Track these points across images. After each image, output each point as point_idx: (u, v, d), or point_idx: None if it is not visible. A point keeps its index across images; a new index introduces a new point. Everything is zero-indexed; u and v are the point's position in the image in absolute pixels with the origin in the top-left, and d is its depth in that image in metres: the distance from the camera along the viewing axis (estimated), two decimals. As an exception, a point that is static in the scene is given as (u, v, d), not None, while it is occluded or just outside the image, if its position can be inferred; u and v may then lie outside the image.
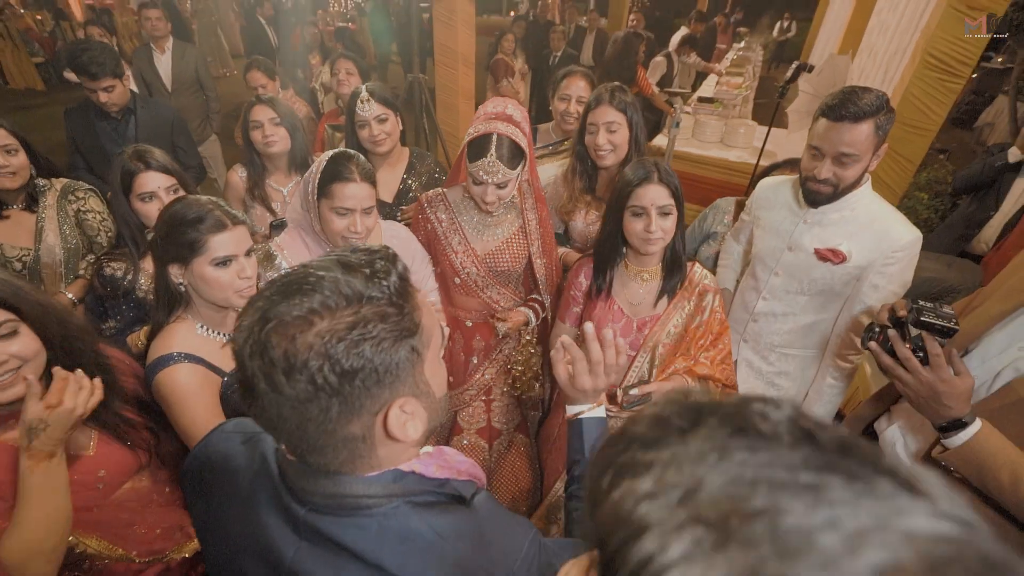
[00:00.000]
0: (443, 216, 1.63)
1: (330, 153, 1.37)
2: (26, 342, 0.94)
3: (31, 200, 1.78)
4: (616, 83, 1.74)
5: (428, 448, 0.74)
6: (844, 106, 1.29)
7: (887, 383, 1.29)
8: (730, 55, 7.95)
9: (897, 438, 1.33)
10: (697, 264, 1.49)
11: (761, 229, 1.67)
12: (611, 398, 1.39)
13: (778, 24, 9.50)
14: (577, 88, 2.08)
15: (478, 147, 1.41)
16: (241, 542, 0.67)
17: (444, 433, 1.97)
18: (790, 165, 2.10)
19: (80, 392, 0.94)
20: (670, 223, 1.33)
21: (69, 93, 3.43)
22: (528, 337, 1.73)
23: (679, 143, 4.28)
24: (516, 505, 1.90)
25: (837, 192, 1.41)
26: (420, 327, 0.59)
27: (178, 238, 1.11)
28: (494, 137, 1.39)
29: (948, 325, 1.04)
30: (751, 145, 4.06)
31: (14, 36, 7.96)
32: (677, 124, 3.87)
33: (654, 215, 1.31)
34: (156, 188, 1.54)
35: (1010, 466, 0.96)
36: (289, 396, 0.53)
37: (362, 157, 1.40)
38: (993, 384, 1.13)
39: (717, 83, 5.86)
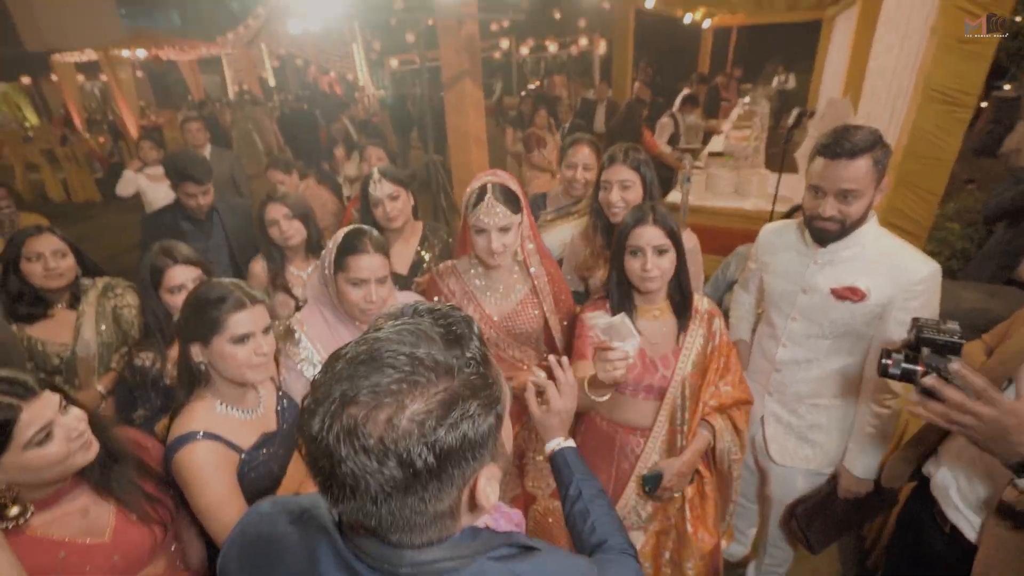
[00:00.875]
0: (455, 287, 1.66)
1: (345, 230, 1.45)
2: (79, 412, 1.01)
3: (74, 299, 1.90)
4: (630, 143, 1.83)
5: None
6: (839, 143, 1.30)
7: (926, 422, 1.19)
8: (736, 110, 8.19)
9: (949, 482, 1.20)
10: (696, 293, 1.52)
11: (771, 275, 1.63)
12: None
13: (776, 78, 9.80)
14: (582, 156, 2.17)
15: (475, 197, 1.48)
16: None
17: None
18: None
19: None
20: (667, 261, 1.39)
21: (121, 203, 3.90)
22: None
23: (695, 198, 4.34)
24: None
25: (845, 228, 1.39)
26: (504, 396, 0.59)
27: (201, 317, 1.17)
28: (488, 185, 1.48)
29: (951, 340, 0.96)
30: (765, 193, 4.07)
31: (79, 158, 8.90)
32: (688, 179, 3.93)
33: (650, 254, 1.37)
34: (184, 280, 1.64)
35: None
36: (382, 480, 0.51)
37: (375, 231, 1.47)
38: None
39: (726, 137, 6.00)
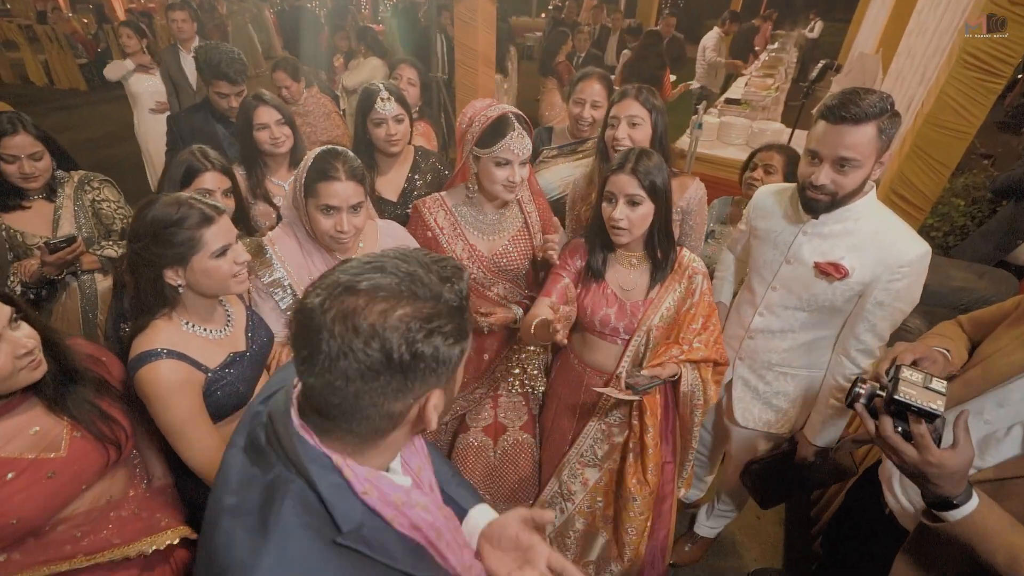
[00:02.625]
0: (443, 221, 1.61)
1: (317, 150, 1.35)
2: (30, 330, 0.99)
3: (50, 191, 1.85)
4: (645, 84, 1.72)
5: (406, 480, 0.76)
6: (844, 107, 1.22)
7: None
8: (763, 55, 7.74)
9: (893, 471, 1.24)
10: (684, 248, 1.49)
11: (758, 240, 1.58)
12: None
13: (809, 25, 9.20)
14: (592, 92, 2.03)
15: (498, 128, 1.40)
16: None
17: (449, 431, 1.95)
18: (776, 149, 2.05)
19: None
20: (639, 213, 1.35)
21: (108, 92, 3.63)
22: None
23: (704, 145, 4.19)
24: (517, 504, 1.87)
25: (836, 200, 1.33)
26: (468, 338, 0.66)
27: (171, 239, 1.10)
28: (511, 115, 1.40)
29: (928, 408, 0.87)
30: (777, 148, 3.93)
31: (60, 39, 8.34)
32: (700, 125, 3.78)
33: (621, 202, 1.35)
34: (213, 188, 1.61)
35: (1007, 548, 0.87)
36: (358, 362, 0.58)
37: (351, 154, 1.37)
38: (1006, 437, 1.03)
39: (747, 84, 5.71)
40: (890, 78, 4.41)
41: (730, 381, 1.71)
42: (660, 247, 1.44)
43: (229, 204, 1.66)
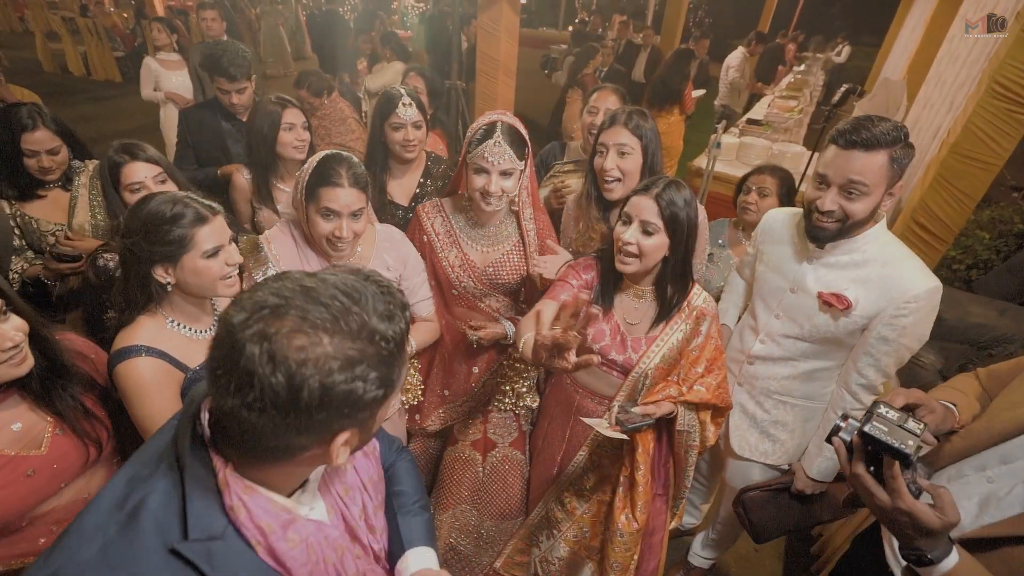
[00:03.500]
0: (439, 227, 1.60)
1: (322, 154, 1.34)
2: (20, 322, 0.97)
3: (66, 180, 1.88)
4: (637, 107, 1.63)
5: (310, 510, 0.73)
6: (856, 132, 1.18)
7: None
8: (788, 77, 7.67)
9: None
10: (696, 286, 1.40)
11: (764, 265, 1.53)
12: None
13: (836, 49, 9.08)
14: (606, 102, 2.01)
15: (482, 134, 1.39)
16: None
17: (438, 444, 1.93)
18: (769, 171, 2.01)
19: None
20: (650, 243, 1.26)
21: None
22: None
23: (722, 165, 4.14)
24: (503, 521, 1.83)
25: (844, 228, 1.28)
26: (398, 383, 0.63)
27: (163, 237, 1.09)
28: (498, 123, 1.38)
29: (899, 448, 0.78)
30: (798, 171, 3.86)
31: (100, 32, 8.61)
32: (718, 145, 3.74)
33: (634, 226, 1.27)
34: (144, 178, 1.56)
35: None
36: (264, 394, 0.54)
37: (355, 160, 1.36)
38: (1008, 496, 0.97)
39: (769, 105, 5.65)
40: (918, 105, 4.32)
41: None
42: (672, 286, 1.34)
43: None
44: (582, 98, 4.67)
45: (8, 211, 1.80)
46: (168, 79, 3.62)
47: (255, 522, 0.63)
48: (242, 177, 2.01)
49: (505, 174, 1.40)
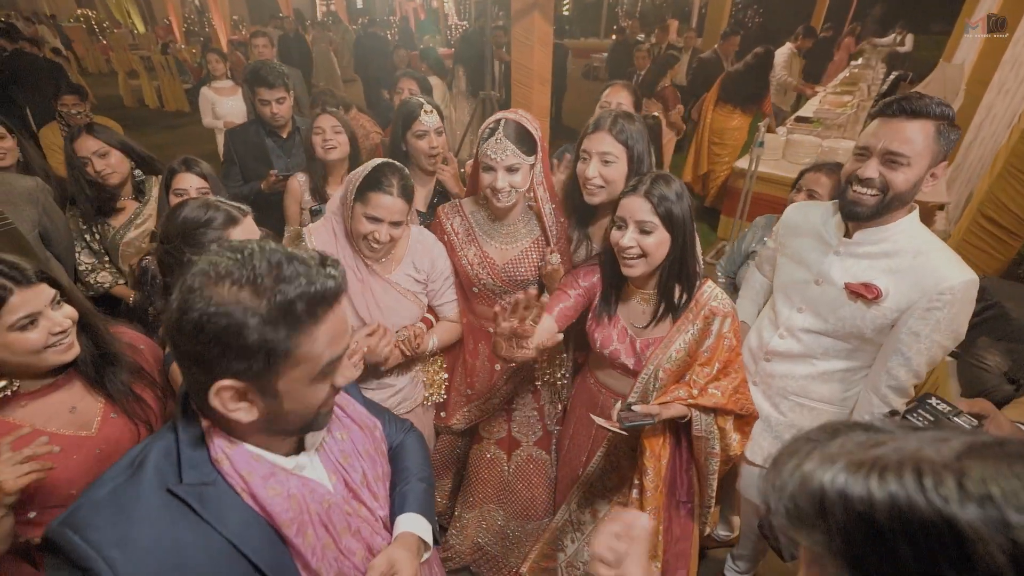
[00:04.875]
0: (458, 226, 1.63)
1: (379, 161, 1.42)
2: (71, 311, 1.08)
3: (138, 192, 2.10)
4: (624, 110, 1.55)
5: (314, 471, 0.80)
6: (900, 102, 1.13)
7: None
8: (843, 72, 7.27)
9: None
10: (708, 283, 1.33)
11: (786, 258, 1.46)
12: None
13: (892, 37, 8.50)
14: (618, 97, 2.00)
15: (487, 133, 1.42)
16: None
17: (465, 443, 1.94)
18: (826, 171, 1.85)
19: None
20: (652, 241, 1.22)
21: None
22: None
23: (768, 164, 3.97)
24: (528, 522, 1.82)
25: (882, 204, 1.19)
26: (284, 347, 0.66)
27: (199, 240, 1.18)
28: (502, 121, 1.40)
29: None
30: (849, 167, 3.65)
31: (172, 67, 9.40)
32: (761, 143, 3.59)
33: (631, 229, 1.23)
34: (188, 187, 1.72)
35: None
36: (171, 311, 0.66)
37: (407, 172, 1.43)
38: None
39: (820, 101, 5.37)
40: (991, 91, 4.00)
41: None
42: (678, 284, 1.30)
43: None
44: (661, 111, 4.63)
45: (83, 225, 2.01)
46: (223, 105, 3.90)
47: (237, 471, 0.71)
48: (296, 181, 2.19)
49: (511, 170, 1.42)
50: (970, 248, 2.63)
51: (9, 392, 1.02)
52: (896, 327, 1.25)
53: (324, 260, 0.68)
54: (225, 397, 0.67)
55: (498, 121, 1.41)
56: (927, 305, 1.19)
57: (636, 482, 1.40)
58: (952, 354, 1.73)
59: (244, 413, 0.68)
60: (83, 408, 1.12)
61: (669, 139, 4.61)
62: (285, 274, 0.65)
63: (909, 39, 8.56)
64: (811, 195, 1.84)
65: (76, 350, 1.08)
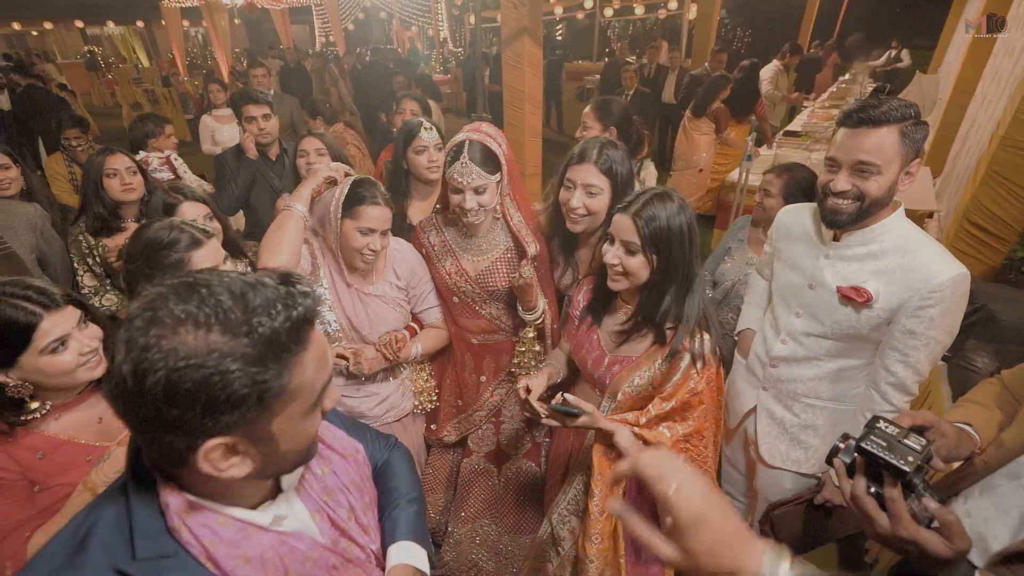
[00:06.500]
0: (435, 239, 1.67)
1: (355, 177, 1.47)
2: (96, 330, 1.11)
3: (141, 214, 2.15)
4: (609, 139, 1.53)
5: (296, 519, 0.72)
6: (862, 111, 1.14)
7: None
8: (831, 88, 7.41)
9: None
10: (705, 336, 1.23)
11: (781, 262, 1.47)
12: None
13: (887, 54, 8.66)
14: (587, 118, 2.07)
15: (452, 155, 1.45)
16: None
17: (456, 457, 1.93)
18: (777, 171, 1.96)
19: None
20: (636, 262, 1.20)
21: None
22: (532, 334, 1.66)
23: (756, 177, 4.03)
24: (520, 536, 1.80)
25: (862, 209, 1.21)
26: (277, 385, 0.57)
27: (161, 261, 1.20)
28: (466, 143, 1.43)
29: (897, 464, 0.72)
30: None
31: (175, 99, 9.62)
32: (749, 157, 3.66)
33: (617, 245, 1.22)
34: (196, 216, 1.72)
35: None
36: (115, 375, 0.53)
37: (381, 185, 1.49)
38: None
39: (809, 115, 5.47)
40: (975, 102, 4.08)
41: (755, 408, 1.58)
42: (660, 308, 1.22)
43: (216, 227, 1.73)
44: (713, 131, 4.71)
45: (86, 247, 2.04)
46: (222, 132, 4.00)
47: (199, 541, 0.62)
48: (282, 200, 2.24)
49: (478, 191, 1.45)
50: (958, 254, 2.64)
51: (39, 414, 1.05)
52: (891, 325, 1.26)
53: (287, 278, 0.60)
54: (215, 457, 0.57)
55: (461, 143, 1.43)
56: (919, 304, 1.20)
57: (583, 505, 1.34)
58: (943, 357, 1.73)
59: (238, 468, 0.59)
60: (108, 418, 1.15)
61: (730, 157, 4.81)
62: (255, 303, 0.55)
63: (906, 54, 8.72)
64: (766, 193, 1.94)
65: (105, 365, 1.10)
